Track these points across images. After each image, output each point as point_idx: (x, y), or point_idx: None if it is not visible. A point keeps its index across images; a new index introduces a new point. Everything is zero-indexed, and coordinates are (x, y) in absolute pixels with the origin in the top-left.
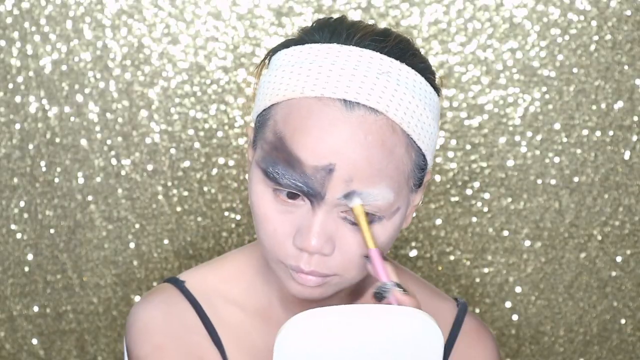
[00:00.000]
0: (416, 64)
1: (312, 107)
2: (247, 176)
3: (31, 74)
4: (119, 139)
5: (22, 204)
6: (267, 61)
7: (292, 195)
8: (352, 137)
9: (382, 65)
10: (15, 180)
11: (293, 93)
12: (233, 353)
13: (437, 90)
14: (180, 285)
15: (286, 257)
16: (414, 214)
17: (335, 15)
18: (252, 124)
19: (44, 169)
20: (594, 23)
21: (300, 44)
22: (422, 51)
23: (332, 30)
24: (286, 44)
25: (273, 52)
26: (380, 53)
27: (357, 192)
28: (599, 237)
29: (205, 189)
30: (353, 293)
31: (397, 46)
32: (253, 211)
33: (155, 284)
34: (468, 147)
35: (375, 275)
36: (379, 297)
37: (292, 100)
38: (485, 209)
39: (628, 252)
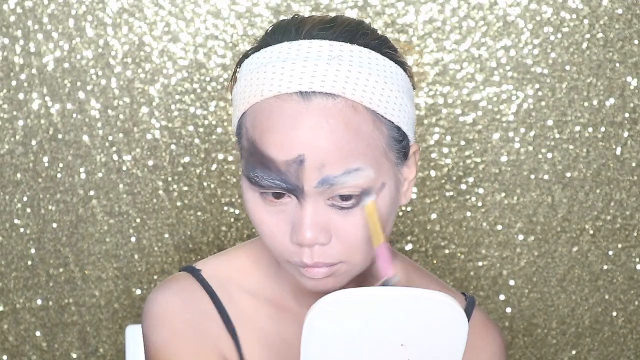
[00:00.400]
0: (368, 42)
1: (273, 106)
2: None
3: (34, 71)
4: (120, 135)
5: (25, 198)
6: (237, 75)
7: (277, 195)
8: (315, 125)
9: (332, 50)
10: (19, 175)
11: (254, 98)
12: (247, 341)
13: (401, 63)
14: (196, 274)
15: (290, 255)
16: (414, 195)
17: (332, 15)
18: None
19: (46, 165)
20: (586, 21)
21: (257, 51)
22: (417, 49)
23: (282, 30)
24: (247, 55)
25: (238, 65)
26: (329, 40)
27: (369, 192)
28: (591, 231)
29: (205, 184)
30: (367, 279)
31: (345, 29)
32: (250, 219)
33: (155, 277)
34: (462, 143)
35: (381, 270)
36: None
37: (255, 105)
38: (480, 204)
39: (619, 245)
